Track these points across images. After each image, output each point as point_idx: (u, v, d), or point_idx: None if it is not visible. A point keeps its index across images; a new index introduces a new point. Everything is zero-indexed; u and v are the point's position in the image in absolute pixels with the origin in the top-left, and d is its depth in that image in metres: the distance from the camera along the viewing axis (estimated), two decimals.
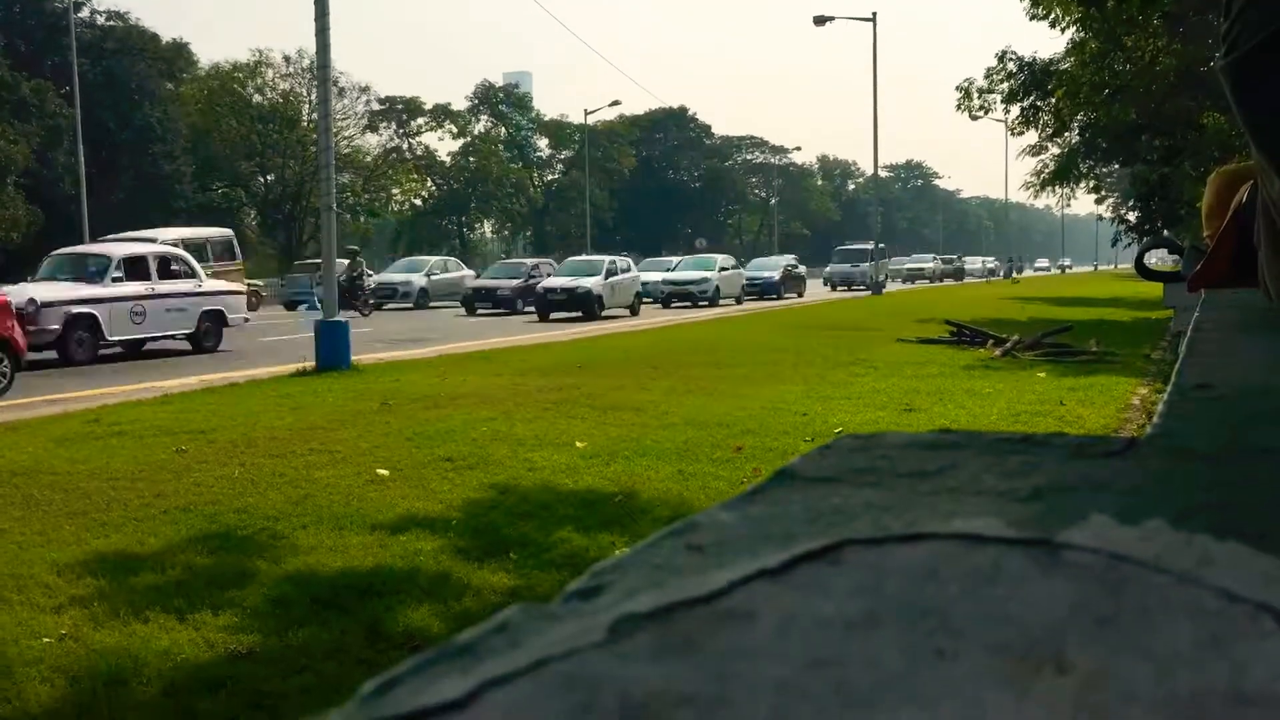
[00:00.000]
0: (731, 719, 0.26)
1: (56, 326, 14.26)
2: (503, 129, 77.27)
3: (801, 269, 42.24)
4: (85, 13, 47.18)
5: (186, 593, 4.36)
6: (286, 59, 59.22)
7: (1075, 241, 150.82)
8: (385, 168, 66.50)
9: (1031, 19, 23.64)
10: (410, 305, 32.37)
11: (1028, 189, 33.06)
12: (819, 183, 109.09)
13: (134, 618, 4.10)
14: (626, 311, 27.27)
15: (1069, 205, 54.00)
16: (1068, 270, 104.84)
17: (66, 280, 15.55)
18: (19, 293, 13.99)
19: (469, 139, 72.84)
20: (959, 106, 28.28)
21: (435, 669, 0.29)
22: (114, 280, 15.50)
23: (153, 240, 20.34)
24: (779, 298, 37.13)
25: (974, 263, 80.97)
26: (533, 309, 26.25)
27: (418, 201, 72.76)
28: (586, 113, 60.91)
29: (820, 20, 41.39)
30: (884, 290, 42.63)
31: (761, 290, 37.30)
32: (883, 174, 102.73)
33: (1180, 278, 1.92)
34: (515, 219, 76.24)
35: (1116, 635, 0.30)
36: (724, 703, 0.27)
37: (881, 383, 10.62)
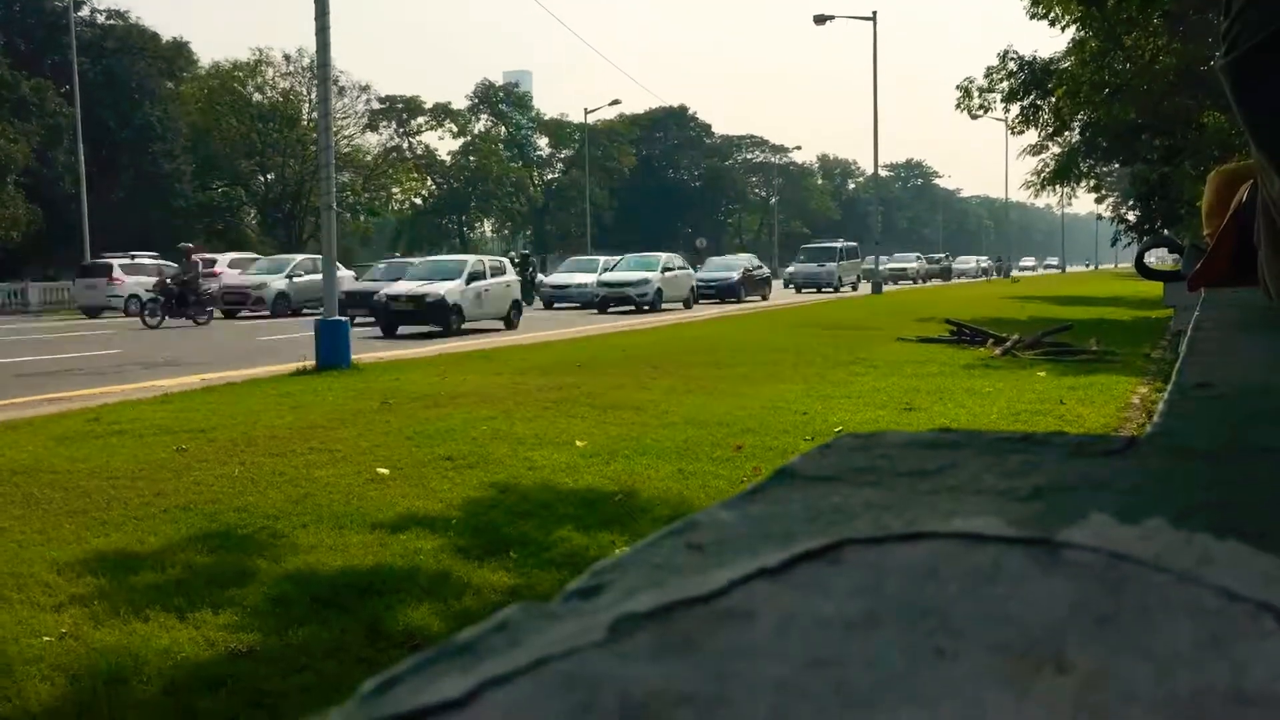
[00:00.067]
0: (731, 718, 0.26)
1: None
2: (503, 128, 77.31)
3: (765, 270, 38.54)
4: (85, 11, 47.22)
5: (187, 591, 4.36)
6: (287, 58, 59.34)
7: (1075, 241, 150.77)
8: (385, 167, 66.55)
9: (1031, 18, 23.68)
10: (267, 313, 27.75)
11: (1028, 188, 33.07)
12: (819, 182, 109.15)
13: (134, 616, 4.10)
14: (501, 324, 21.99)
15: (1069, 204, 54.00)
16: (1051, 269, 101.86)
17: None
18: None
19: (469, 138, 72.89)
20: (959, 105, 28.29)
21: (435, 668, 0.29)
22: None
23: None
24: (739, 301, 33.90)
25: (966, 262, 79.03)
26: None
27: (418, 200, 72.82)
28: (586, 112, 60.97)
29: (820, 19, 41.41)
30: (882, 289, 42.29)
31: (718, 293, 34.16)
32: (883, 173, 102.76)
33: (1180, 277, 1.92)
34: (515, 218, 76.27)
35: (1117, 634, 0.30)
36: (724, 702, 0.27)
37: (881, 382, 10.62)
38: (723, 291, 34.32)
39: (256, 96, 59.67)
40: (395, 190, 69.87)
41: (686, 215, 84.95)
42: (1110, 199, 51.46)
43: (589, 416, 8.58)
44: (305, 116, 57.51)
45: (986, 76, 27.51)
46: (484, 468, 6.66)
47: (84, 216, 33.38)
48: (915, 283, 58.58)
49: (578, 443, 7.39)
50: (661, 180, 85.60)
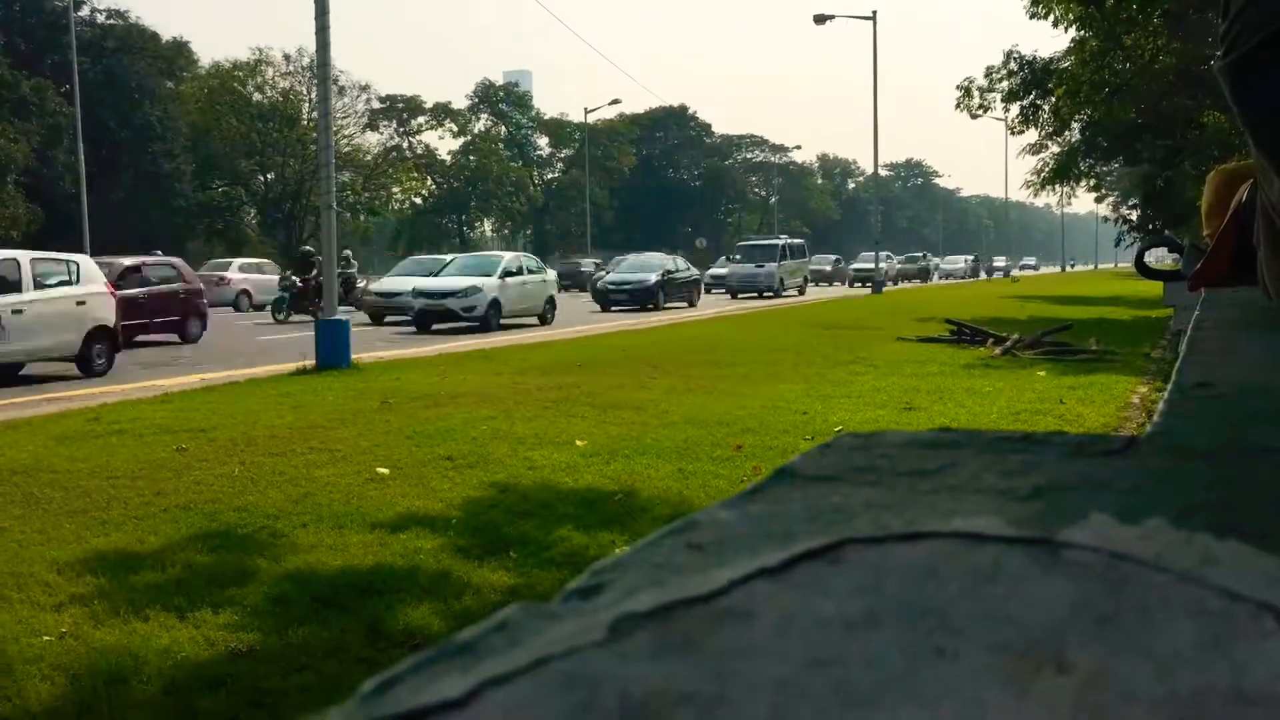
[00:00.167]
0: (731, 718, 0.26)
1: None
2: (503, 128, 77.35)
3: (693, 272, 33.26)
4: (85, 11, 47.23)
5: (187, 591, 4.36)
6: (286, 57, 59.35)
7: (1075, 240, 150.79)
8: (385, 166, 66.57)
9: (1031, 18, 23.69)
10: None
11: (1028, 188, 33.08)
12: (819, 181, 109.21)
13: (134, 616, 4.10)
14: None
15: (1069, 204, 53.82)
16: (1027, 270, 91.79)
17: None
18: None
19: (469, 138, 72.93)
20: (959, 105, 28.30)
21: (435, 668, 0.29)
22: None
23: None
24: (657, 308, 28.20)
25: (955, 262, 75.48)
26: None
27: (418, 200, 72.84)
28: (586, 111, 60.98)
29: (820, 19, 41.39)
30: (883, 289, 41.92)
31: (632, 298, 28.51)
32: (883, 173, 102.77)
33: (1180, 276, 1.92)
34: (515, 217, 76.30)
35: (1117, 634, 0.30)
36: (724, 702, 0.27)
37: (881, 381, 10.62)
38: (638, 297, 28.75)
39: (256, 96, 59.69)
40: (395, 190, 69.91)
41: (687, 215, 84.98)
42: (1110, 198, 51.47)
43: (589, 416, 8.58)
44: (305, 116, 57.52)
45: (987, 76, 27.54)
46: (484, 467, 6.66)
47: (84, 216, 33.35)
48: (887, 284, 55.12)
49: (578, 442, 7.39)
50: (662, 180, 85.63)
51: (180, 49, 55.49)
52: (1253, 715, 0.26)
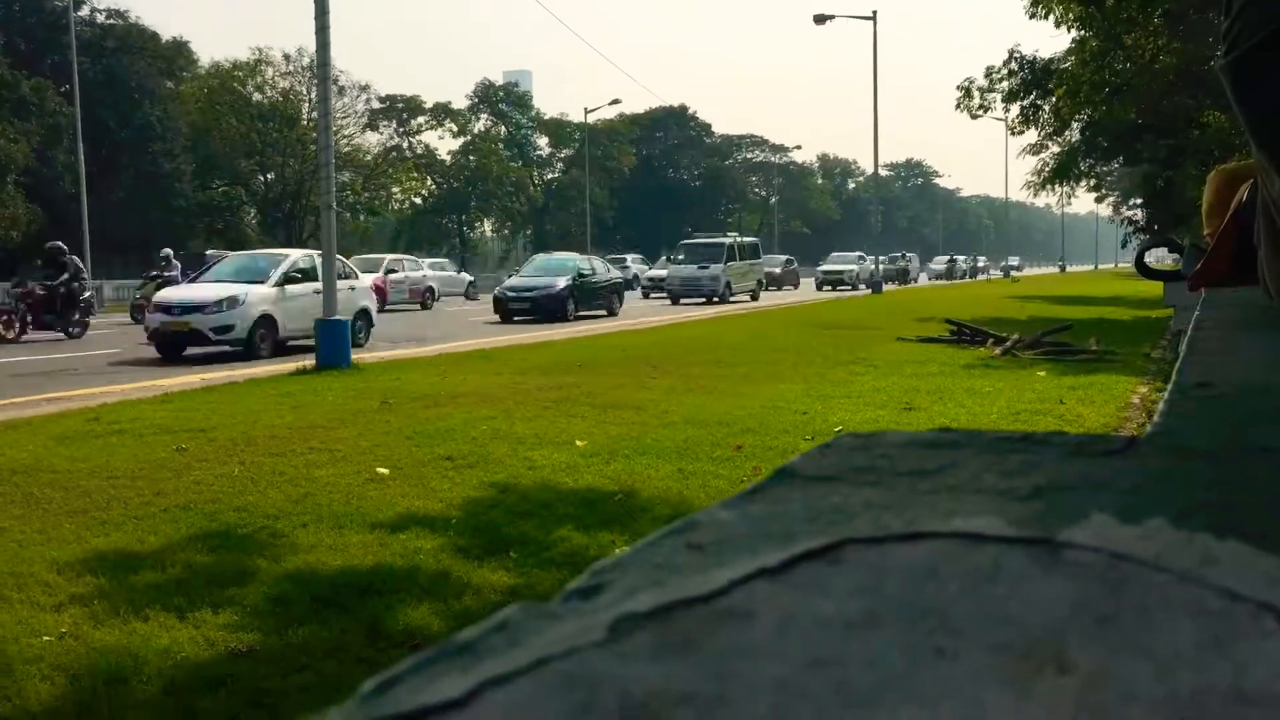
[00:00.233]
0: (731, 718, 0.26)
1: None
2: (503, 128, 77.34)
3: (614, 274, 28.12)
4: (85, 11, 47.24)
5: (186, 591, 4.36)
6: (286, 57, 59.34)
7: (1075, 240, 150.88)
8: (385, 166, 66.55)
9: (1031, 18, 23.68)
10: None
11: (1028, 188, 33.09)
12: (819, 181, 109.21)
13: (134, 616, 4.10)
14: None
15: (1069, 204, 53.43)
16: (1013, 274, 79.49)
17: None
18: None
19: (469, 138, 72.91)
20: (959, 105, 28.30)
21: (435, 668, 0.29)
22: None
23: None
24: (566, 320, 23.39)
25: (941, 263, 71.94)
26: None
27: (418, 200, 72.83)
28: (586, 111, 60.98)
29: (820, 19, 41.40)
30: (882, 289, 41.62)
31: (535, 308, 23.48)
32: (883, 173, 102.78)
33: (1180, 276, 1.92)
34: (515, 218, 76.30)
35: (1117, 634, 0.30)
36: (724, 702, 0.27)
37: (881, 381, 10.62)
38: (543, 306, 23.63)
39: (256, 96, 59.69)
40: (395, 190, 69.89)
41: (687, 215, 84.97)
42: (1110, 198, 51.50)
43: (589, 416, 8.58)
44: (305, 116, 57.52)
45: (987, 76, 27.54)
46: (484, 467, 6.66)
47: (84, 216, 33.38)
48: (854, 289, 47.37)
49: (578, 442, 7.39)
50: (662, 180, 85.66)
51: (180, 49, 55.51)
52: (1253, 715, 0.26)
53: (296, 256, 17.57)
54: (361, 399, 9.73)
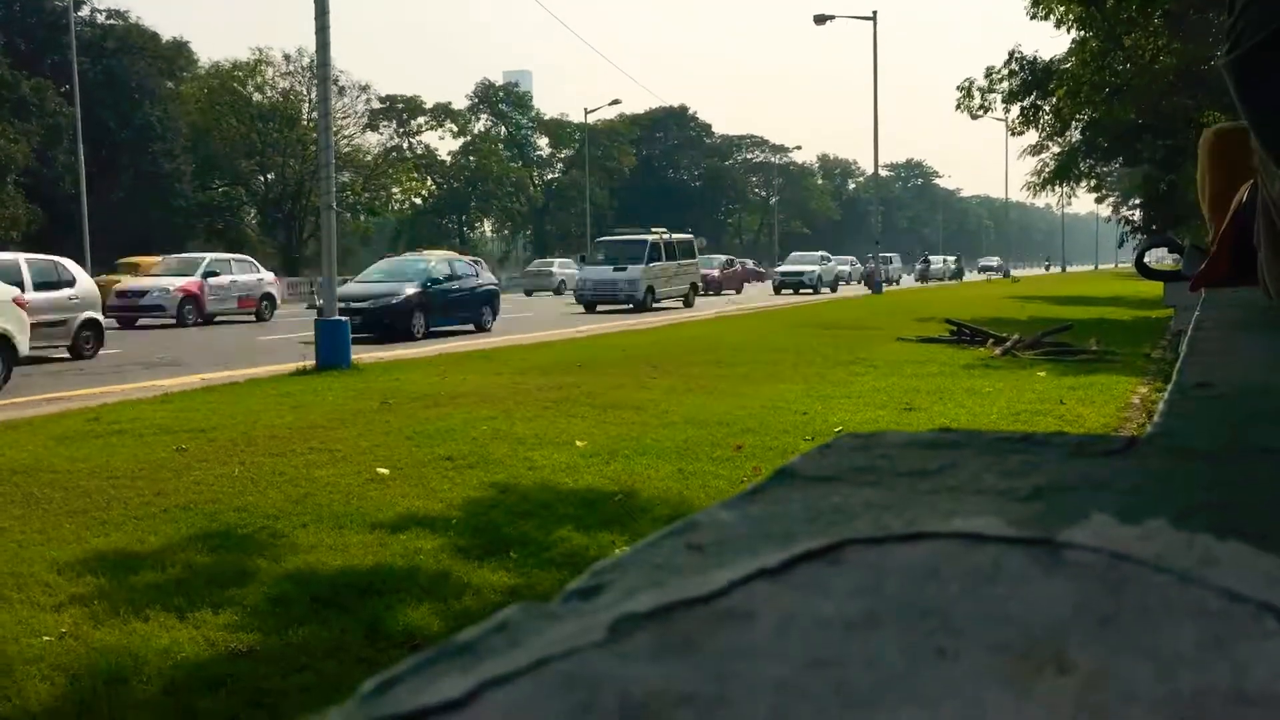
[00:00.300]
0: (731, 719, 0.26)
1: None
2: (503, 128, 77.36)
3: (483, 279, 22.32)
4: (85, 11, 47.23)
5: (186, 591, 4.36)
6: (286, 57, 59.33)
7: (1075, 241, 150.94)
8: (385, 166, 66.54)
9: (1032, 18, 23.71)
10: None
11: (1028, 189, 33.10)
12: (819, 182, 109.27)
13: (134, 616, 4.10)
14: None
15: (1069, 204, 53.19)
16: (990, 273, 77.69)
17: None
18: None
19: (469, 138, 72.94)
20: (959, 106, 28.30)
21: (435, 668, 0.29)
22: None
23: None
24: (410, 338, 18.52)
25: (934, 262, 67.49)
26: None
27: (418, 200, 72.83)
28: (587, 111, 61.04)
29: (820, 19, 41.41)
30: (882, 290, 41.24)
31: (368, 323, 17.90)
32: (883, 173, 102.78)
33: (1180, 277, 1.92)
34: (515, 218, 76.31)
35: (1118, 635, 0.30)
36: (724, 703, 0.27)
37: (881, 381, 10.62)
38: (377, 321, 18.32)
39: (256, 96, 59.67)
40: (395, 190, 69.86)
41: (687, 215, 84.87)
42: (1111, 198, 51.49)
43: (589, 416, 8.58)
44: (305, 116, 57.50)
45: (987, 77, 27.54)
46: (484, 468, 6.66)
47: (84, 217, 33.38)
48: (815, 291, 43.14)
49: (578, 443, 7.39)
50: (662, 180, 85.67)
51: (180, 49, 55.50)
52: (1254, 716, 0.26)
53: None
54: (361, 399, 9.73)
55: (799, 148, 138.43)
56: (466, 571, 4.61)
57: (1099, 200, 53.68)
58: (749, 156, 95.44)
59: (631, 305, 27.52)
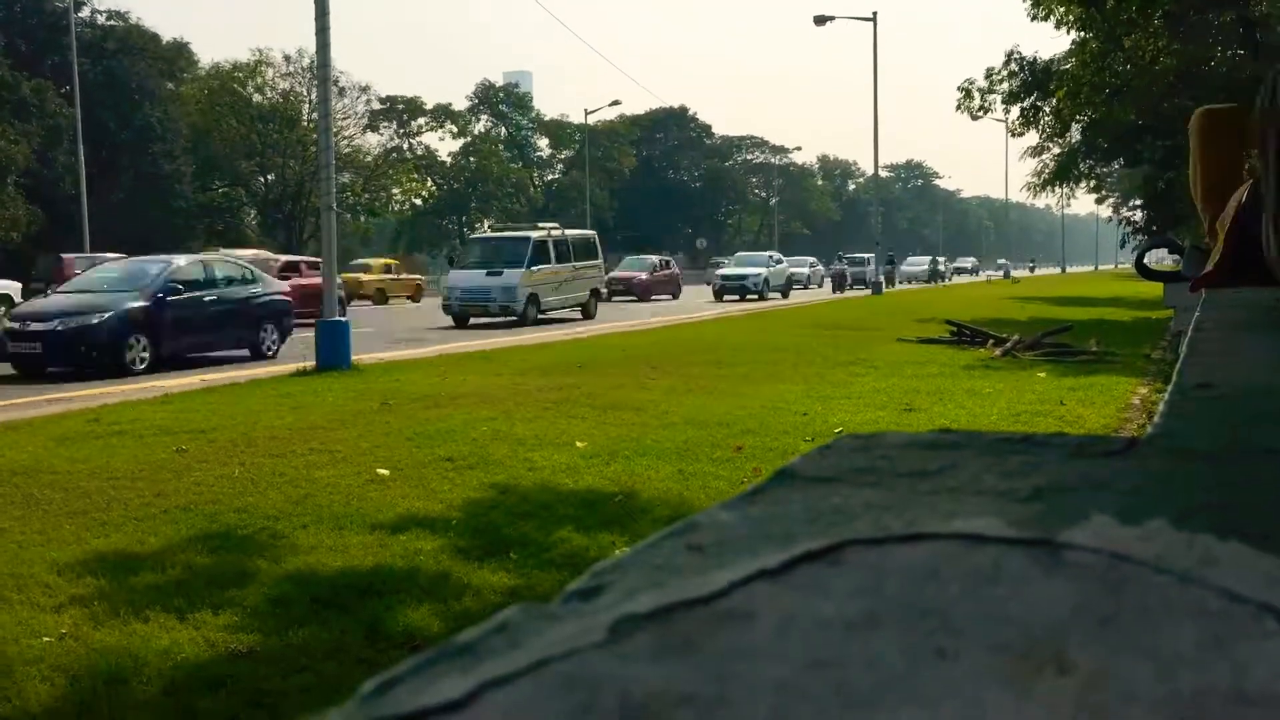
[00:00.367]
0: (731, 719, 0.26)
1: None
2: (503, 129, 77.36)
3: (263, 287, 15.97)
4: (86, 12, 47.21)
5: (186, 592, 4.36)
6: (286, 58, 59.33)
7: (1075, 241, 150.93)
8: (385, 167, 66.55)
9: (1033, 20, 23.73)
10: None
11: (1028, 189, 33.11)
12: (819, 183, 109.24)
13: (134, 617, 4.10)
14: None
15: (1069, 205, 52.89)
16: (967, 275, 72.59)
17: None
18: None
19: (469, 139, 72.93)
20: (959, 107, 28.29)
21: (435, 669, 0.29)
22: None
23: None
24: (123, 373, 12.86)
25: (918, 263, 65.22)
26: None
27: (418, 201, 72.84)
28: (587, 112, 61.09)
29: (820, 20, 41.41)
30: (883, 291, 41.04)
31: (56, 356, 13.04)
32: (883, 174, 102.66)
33: (1181, 278, 1.92)
34: (515, 218, 76.33)
35: (1118, 635, 0.30)
36: (724, 703, 0.27)
37: (882, 382, 10.61)
38: (64, 350, 13.08)
39: (256, 97, 59.67)
40: (395, 191, 69.88)
41: (687, 216, 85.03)
42: (1111, 199, 51.49)
43: (589, 417, 8.58)
44: (305, 117, 57.49)
45: (987, 78, 27.55)
46: (484, 468, 6.66)
47: (84, 218, 33.39)
48: (761, 298, 36.68)
49: (578, 443, 7.39)
50: (662, 181, 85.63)
51: (180, 50, 55.50)
52: (1253, 715, 0.26)
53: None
54: (361, 400, 9.73)
55: (799, 148, 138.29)
56: (466, 572, 4.61)
57: (1099, 201, 53.65)
58: (749, 157, 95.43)
59: (510, 318, 22.27)
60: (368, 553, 4.91)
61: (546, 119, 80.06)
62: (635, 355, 13.87)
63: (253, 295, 15.78)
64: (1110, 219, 47.28)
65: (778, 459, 6.41)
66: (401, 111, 67.16)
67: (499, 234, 26.69)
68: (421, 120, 69.09)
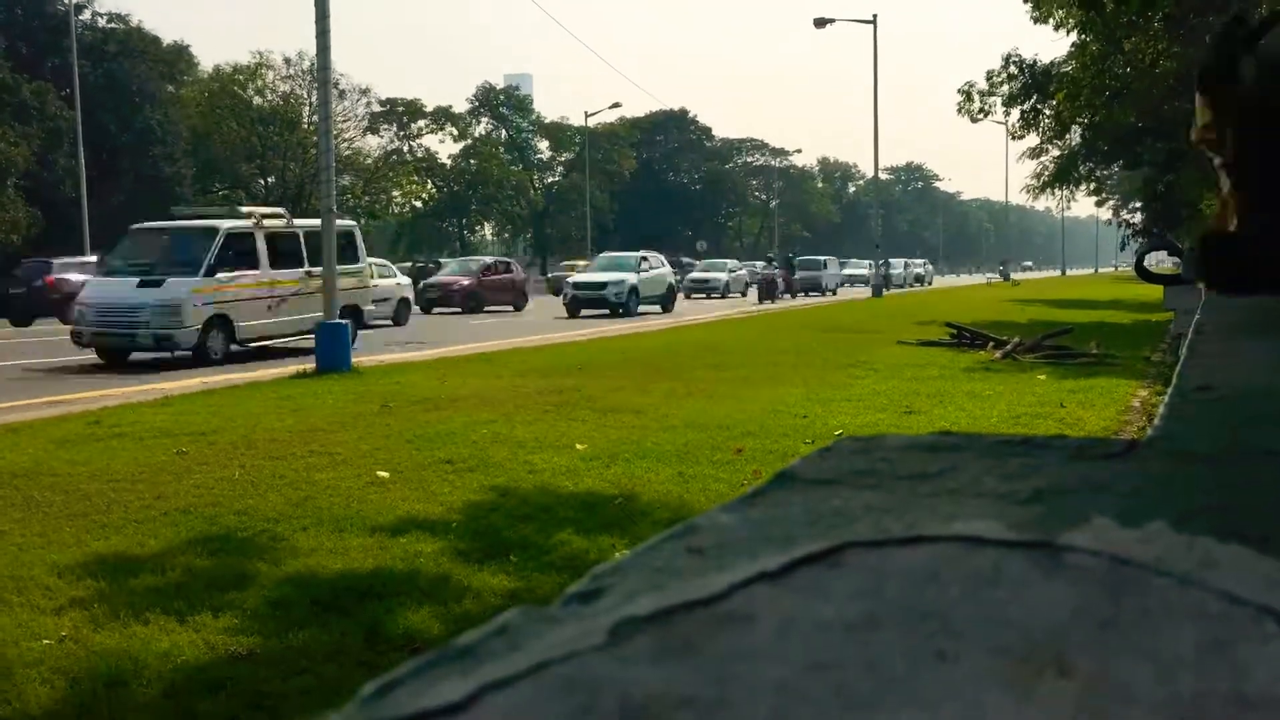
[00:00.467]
0: None
1: None
2: (503, 131, 77.36)
3: None
4: (86, 15, 47.25)
5: (186, 594, 4.36)
6: (287, 61, 59.31)
7: (1075, 243, 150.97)
8: (386, 170, 66.53)
9: (1035, 22, 23.75)
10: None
11: (1028, 192, 33.14)
12: (819, 185, 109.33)
13: (134, 619, 4.09)
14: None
15: (1069, 208, 52.81)
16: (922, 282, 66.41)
17: None
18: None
19: (470, 141, 72.92)
20: (960, 109, 28.34)
21: (435, 671, 0.29)
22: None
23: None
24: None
25: (894, 266, 59.38)
26: None
27: (418, 204, 72.83)
28: (587, 115, 61.05)
29: (820, 22, 41.43)
30: (883, 293, 41.06)
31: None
32: (883, 176, 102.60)
33: (1181, 280, 1.92)
34: (516, 221, 76.32)
35: (1118, 638, 0.30)
36: (724, 705, 0.27)
37: (881, 385, 10.61)
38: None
39: (257, 100, 59.69)
40: (395, 193, 69.86)
41: (687, 218, 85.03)
42: (1111, 201, 51.50)
43: (589, 420, 8.58)
44: (306, 119, 57.49)
45: (987, 80, 27.58)
46: (484, 471, 6.66)
47: (84, 220, 33.41)
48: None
49: (578, 446, 7.39)
50: (662, 183, 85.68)
51: (181, 53, 55.53)
52: (1254, 718, 0.26)
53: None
54: (361, 402, 9.73)
55: (799, 151, 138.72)
56: (466, 575, 4.61)
57: (1099, 203, 53.66)
58: (749, 160, 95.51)
59: (172, 352, 14.72)
60: (368, 555, 4.91)
61: (547, 121, 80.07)
62: (635, 358, 13.88)
63: None
64: (1110, 221, 47.26)
65: (778, 461, 6.41)
66: (402, 114, 67.17)
67: (165, 224, 17.18)
68: (422, 123, 69.10)
